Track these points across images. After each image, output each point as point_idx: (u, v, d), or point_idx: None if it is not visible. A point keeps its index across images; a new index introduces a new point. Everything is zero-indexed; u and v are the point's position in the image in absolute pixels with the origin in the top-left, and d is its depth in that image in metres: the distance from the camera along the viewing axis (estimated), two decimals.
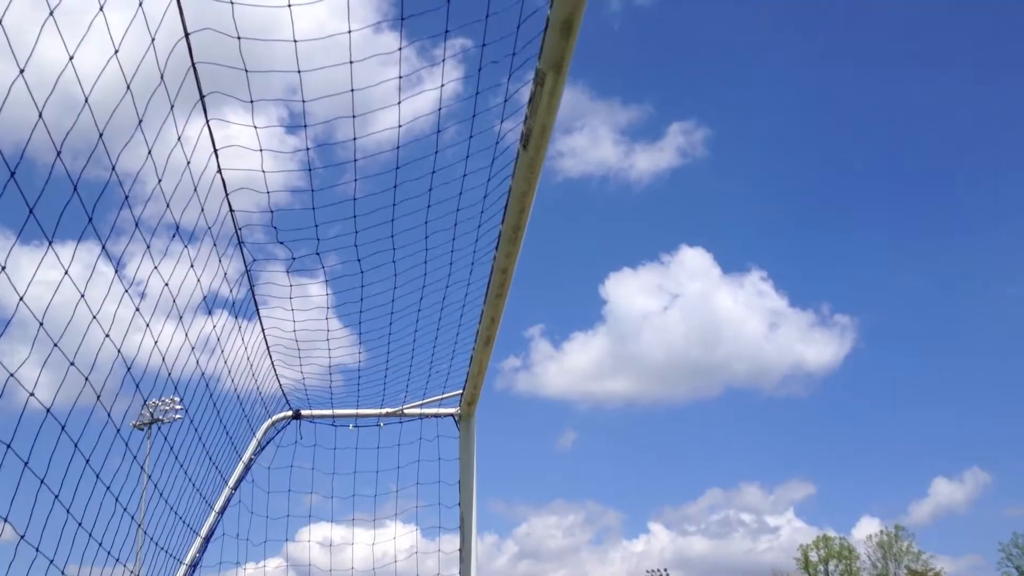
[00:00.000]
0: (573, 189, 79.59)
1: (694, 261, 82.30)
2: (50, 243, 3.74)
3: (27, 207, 3.55)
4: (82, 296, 4.08)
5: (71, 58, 3.48)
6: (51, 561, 4.16)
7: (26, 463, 3.74)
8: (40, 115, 3.44)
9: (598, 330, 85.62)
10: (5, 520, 3.60)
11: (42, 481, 3.92)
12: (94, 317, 4.22)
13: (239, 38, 4.12)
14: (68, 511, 4.25)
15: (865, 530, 74.61)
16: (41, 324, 3.81)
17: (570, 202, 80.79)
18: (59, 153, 3.61)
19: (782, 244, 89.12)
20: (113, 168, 4.04)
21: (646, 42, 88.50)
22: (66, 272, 3.90)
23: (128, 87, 3.88)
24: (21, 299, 3.62)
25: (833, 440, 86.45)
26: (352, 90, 4.48)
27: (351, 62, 4.33)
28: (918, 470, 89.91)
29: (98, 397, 4.40)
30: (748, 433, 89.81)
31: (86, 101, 3.68)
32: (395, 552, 8.10)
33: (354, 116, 4.66)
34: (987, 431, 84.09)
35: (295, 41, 4.21)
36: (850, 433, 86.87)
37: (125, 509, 4.93)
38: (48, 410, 3.98)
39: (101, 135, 3.81)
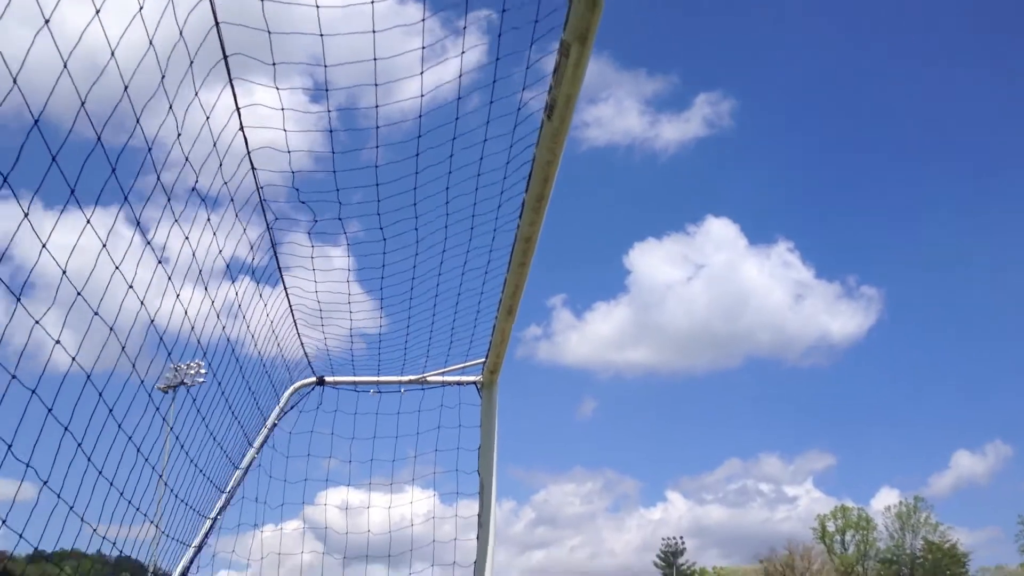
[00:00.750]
0: (598, 159, 79.25)
1: (720, 232, 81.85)
2: (80, 207, 3.83)
3: (62, 176, 3.62)
4: (117, 268, 4.17)
5: (96, 15, 3.53)
6: (71, 507, 4.29)
7: (50, 409, 3.85)
8: (66, 70, 3.49)
9: (620, 300, 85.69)
10: (27, 465, 3.72)
11: (66, 428, 4.03)
12: (130, 286, 4.31)
13: (263, 1, 4.16)
14: (89, 459, 4.36)
15: (884, 501, 74.10)
16: (79, 294, 3.89)
17: (595, 171, 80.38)
18: (86, 113, 3.68)
19: (810, 216, 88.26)
20: (137, 125, 4.11)
21: (672, 12, 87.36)
22: (104, 245, 3.98)
23: (151, 45, 3.93)
24: (56, 266, 3.70)
25: (855, 411, 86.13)
26: (375, 59, 4.52)
27: (374, 31, 4.36)
28: (940, 442, 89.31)
29: (128, 356, 4.51)
30: (769, 403, 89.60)
31: (112, 59, 3.74)
32: (412, 516, 8.20)
33: (376, 85, 4.70)
34: (1010, 404, 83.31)
35: (317, 7, 4.24)
36: (872, 404, 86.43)
37: (146, 459, 5.07)
38: (73, 358, 4.09)
39: (126, 90, 3.87)
